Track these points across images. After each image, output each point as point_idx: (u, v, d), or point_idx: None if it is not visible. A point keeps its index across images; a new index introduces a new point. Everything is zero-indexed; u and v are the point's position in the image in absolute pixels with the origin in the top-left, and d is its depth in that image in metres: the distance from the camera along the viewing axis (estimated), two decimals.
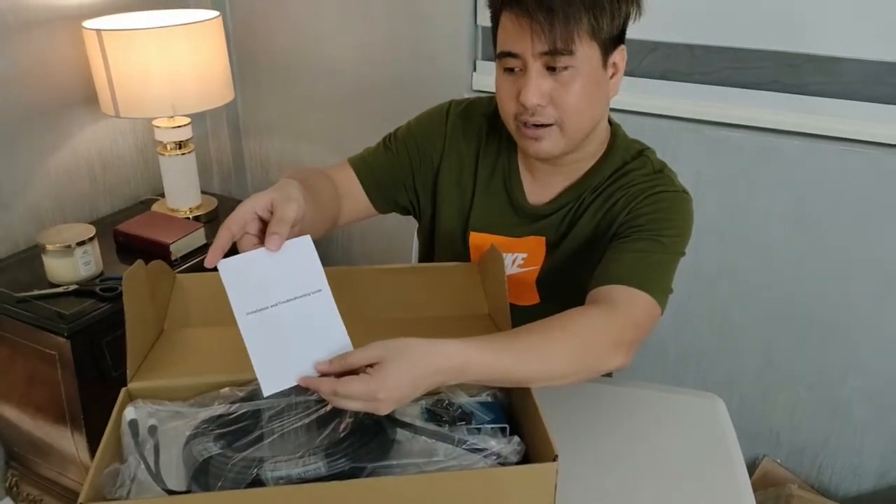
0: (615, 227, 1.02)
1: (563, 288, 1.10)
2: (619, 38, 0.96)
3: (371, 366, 0.71)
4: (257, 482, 0.66)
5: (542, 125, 0.95)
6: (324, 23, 1.94)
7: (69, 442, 1.55)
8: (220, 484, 0.66)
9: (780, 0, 1.44)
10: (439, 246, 1.16)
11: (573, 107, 0.94)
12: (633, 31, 1.56)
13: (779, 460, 1.75)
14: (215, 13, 1.77)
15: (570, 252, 1.08)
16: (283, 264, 0.72)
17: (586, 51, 0.91)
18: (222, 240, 0.73)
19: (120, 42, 1.60)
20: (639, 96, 1.62)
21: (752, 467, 1.76)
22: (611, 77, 0.98)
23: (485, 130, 1.10)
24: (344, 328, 0.74)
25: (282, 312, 0.72)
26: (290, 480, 0.67)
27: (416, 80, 1.84)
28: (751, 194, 1.58)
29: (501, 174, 1.09)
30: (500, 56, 0.95)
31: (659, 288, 0.94)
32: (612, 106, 1.60)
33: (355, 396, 0.69)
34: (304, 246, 0.74)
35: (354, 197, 1.09)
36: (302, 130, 2.11)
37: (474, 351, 0.75)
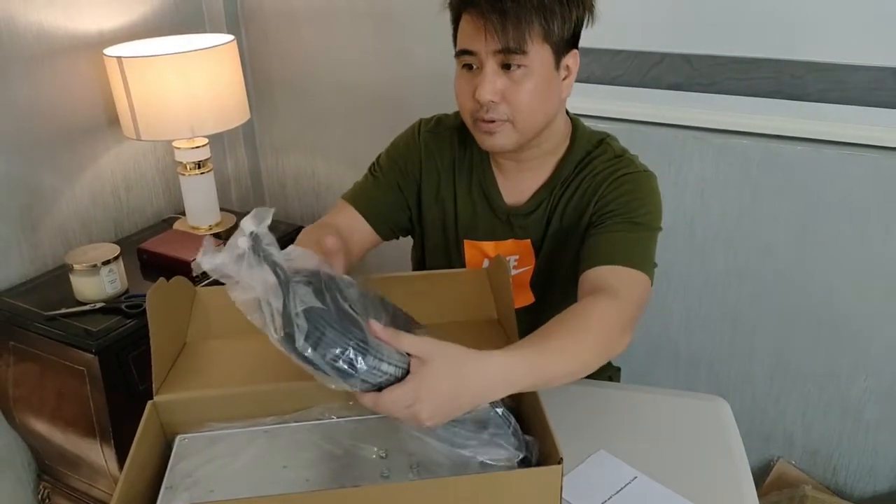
0: (588, 216, 1.07)
1: (554, 285, 1.15)
2: (571, 43, 1.01)
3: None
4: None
5: (496, 120, 1.00)
6: (335, 41, 1.99)
7: (98, 454, 1.58)
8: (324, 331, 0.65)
9: (780, 9, 1.47)
10: (429, 260, 1.21)
11: (525, 104, 0.99)
12: (639, 44, 1.61)
13: (793, 462, 1.76)
14: (230, 37, 1.82)
15: (553, 249, 1.12)
16: None
17: (538, 51, 0.96)
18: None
19: (140, 68, 1.65)
20: (645, 107, 1.65)
21: (767, 469, 1.76)
22: (563, 79, 1.02)
23: (456, 142, 1.15)
24: None
25: None
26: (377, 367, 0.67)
27: (430, 95, 1.86)
28: (756, 199, 1.60)
29: (478, 181, 1.14)
30: (459, 54, 1.00)
31: (646, 264, 0.99)
32: (619, 117, 1.65)
33: (397, 400, 0.68)
34: None
35: (359, 231, 1.13)
36: (317, 147, 2.16)
37: (514, 361, 0.75)
